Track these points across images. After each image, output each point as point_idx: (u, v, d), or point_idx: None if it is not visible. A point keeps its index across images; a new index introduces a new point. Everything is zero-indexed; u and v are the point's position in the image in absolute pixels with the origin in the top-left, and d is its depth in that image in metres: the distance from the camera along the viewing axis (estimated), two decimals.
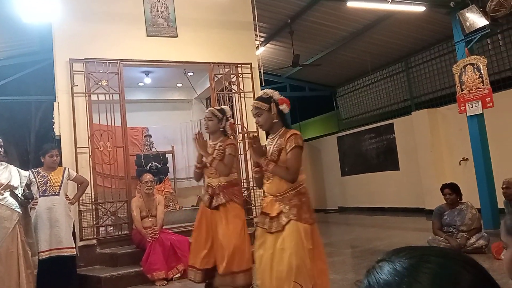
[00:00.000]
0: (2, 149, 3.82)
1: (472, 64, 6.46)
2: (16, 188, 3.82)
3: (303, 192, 2.89)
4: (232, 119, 4.05)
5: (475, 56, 6.52)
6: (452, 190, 4.92)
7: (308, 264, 2.73)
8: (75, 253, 4.67)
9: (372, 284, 0.62)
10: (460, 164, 8.30)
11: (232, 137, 4.10)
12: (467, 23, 6.30)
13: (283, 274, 2.73)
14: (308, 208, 2.88)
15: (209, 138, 4.00)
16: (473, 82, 6.46)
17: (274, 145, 2.95)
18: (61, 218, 4.54)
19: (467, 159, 8.01)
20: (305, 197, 2.90)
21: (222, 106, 4.18)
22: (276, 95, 3.09)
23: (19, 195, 3.86)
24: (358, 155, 11.24)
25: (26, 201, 3.98)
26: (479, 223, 4.98)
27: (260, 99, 3.06)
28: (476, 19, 6.19)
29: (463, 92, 6.58)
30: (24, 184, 3.97)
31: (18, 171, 3.99)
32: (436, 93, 9.55)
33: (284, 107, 3.05)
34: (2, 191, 3.69)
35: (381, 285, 0.60)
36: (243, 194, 3.60)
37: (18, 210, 3.77)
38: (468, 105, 6.53)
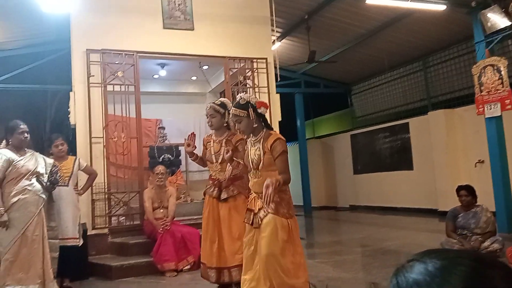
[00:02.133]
0: (28, 135, 3.90)
1: (492, 65, 6.34)
2: (42, 174, 3.90)
3: (283, 190, 2.98)
4: (257, 99, 3.65)
5: (496, 57, 6.39)
6: (468, 192, 4.84)
7: (278, 255, 2.86)
8: (78, 243, 4.64)
9: (401, 283, 0.61)
10: (475, 166, 8.17)
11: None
12: (489, 24, 6.17)
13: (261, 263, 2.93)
14: (286, 203, 2.99)
15: (213, 134, 3.93)
16: (492, 84, 6.34)
17: (256, 148, 3.05)
18: (68, 208, 4.56)
19: (483, 161, 7.88)
20: (285, 194, 3.00)
21: (221, 100, 3.95)
22: (253, 99, 3.14)
23: (45, 181, 3.94)
24: (372, 154, 11.15)
25: (52, 186, 4.08)
26: (494, 227, 4.89)
27: (238, 106, 3.10)
28: (498, 20, 6.07)
29: (482, 93, 6.47)
30: (49, 171, 4.04)
31: (44, 158, 4.08)
32: (453, 93, 9.40)
33: (262, 110, 3.11)
34: (30, 177, 3.75)
35: (410, 284, 0.60)
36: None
37: (44, 196, 3.87)
38: (487, 107, 6.42)
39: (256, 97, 3.26)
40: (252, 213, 3.07)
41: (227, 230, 3.76)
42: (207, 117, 3.85)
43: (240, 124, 3.09)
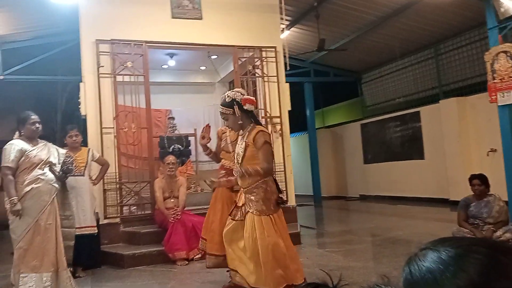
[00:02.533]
0: (40, 126, 3.94)
1: (505, 52, 6.22)
2: (54, 164, 3.95)
3: (262, 187, 3.09)
4: (244, 96, 3.35)
5: (509, 44, 6.26)
6: (481, 181, 4.78)
7: (263, 252, 2.98)
8: (95, 231, 4.81)
9: (414, 272, 0.60)
10: (488, 155, 8.07)
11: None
12: (502, 9, 6.05)
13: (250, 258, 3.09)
14: (267, 200, 3.09)
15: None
16: (505, 71, 6.22)
17: (242, 143, 3.17)
18: (85, 198, 4.70)
19: (495, 150, 7.78)
20: (269, 187, 3.11)
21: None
22: (238, 96, 3.20)
23: (57, 171, 4.00)
24: (382, 143, 11.07)
25: (64, 176, 4.15)
26: (506, 216, 4.84)
27: (224, 104, 3.23)
28: (511, 5, 5.93)
29: (495, 80, 6.36)
30: (61, 161, 4.10)
31: (57, 148, 4.13)
32: (465, 81, 9.26)
33: (248, 107, 3.18)
34: (42, 167, 3.80)
35: (423, 272, 0.59)
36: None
37: (56, 185, 3.92)
38: (500, 95, 6.31)
39: (243, 94, 3.27)
40: (236, 208, 3.27)
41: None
42: (224, 123, 3.67)
43: (227, 121, 3.24)
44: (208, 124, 3.99)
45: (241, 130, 3.24)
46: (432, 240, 0.64)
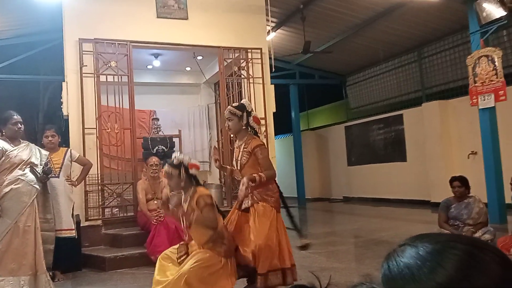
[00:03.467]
0: (22, 126, 3.87)
1: (487, 56, 6.34)
2: (36, 165, 3.89)
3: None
4: (254, 113, 3.53)
5: (490, 48, 6.39)
6: (461, 183, 4.86)
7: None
8: (74, 234, 4.68)
9: (392, 267, 0.60)
10: (468, 158, 8.21)
11: (261, 133, 3.79)
12: (484, 14, 6.16)
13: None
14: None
15: (235, 140, 3.75)
16: (486, 75, 6.34)
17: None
18: (60, 200, 4.58)
19: (476, 153, 7.92)
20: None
21: (242, 101, 3.62)
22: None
23: (39, 172, 3.93)
24: (366, 145, 11.17)
25: (45, 177, 4.08)
26: (486, 218, 4.92)
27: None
28: (493, 10, 6.05)
29: (476, 84, 6.47)
30: (43, 162, 4.04)
31: (39, 149, 4.07)
32: (448, 84, 9.41)
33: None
34: (23, 167, 3.73)
35: (401, 268, 0.59)
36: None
37: (37, 186, 3.85)
38: (481, 98, 6.43)
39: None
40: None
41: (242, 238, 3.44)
42: (226, 121, 3.55)
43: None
44: (215, 146, 3.98)
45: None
46: (410, 237, 0.64)
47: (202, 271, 2.97)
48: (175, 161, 3.22)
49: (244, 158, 3.36)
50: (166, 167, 3.26)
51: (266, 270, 3.20)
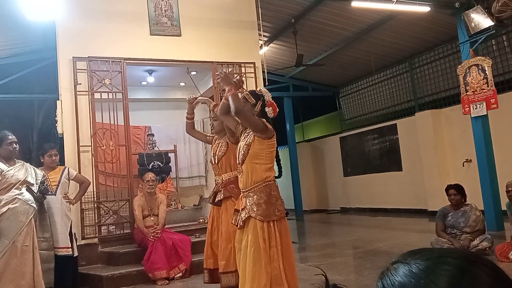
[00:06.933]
0: (17, 146, 3.87)
1: (477, 65, 6.43)
2: (32, 184, 3.88)
3: (269, 188, 2.93)
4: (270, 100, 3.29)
5: (480, 57, 6.48)
6: (457, 191, 4.89)
7: (261, 262, 2.78)
8: (71, 253, 4.62)
9: (387, 287, 0.60)
10: (463, 166, 8.26)
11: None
12: (472, 24, 6.26)
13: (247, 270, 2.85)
14: (271, 205, 2.89)
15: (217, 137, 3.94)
16: (477, 83, 6.43)
17: (245, 141, 3.04)
18: (57, 218, 4.53)
19: (470, 161, 7.97)
20: (274, 191, 2.95)
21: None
22: (268, 96, 3.17)
23: (35, 191, 3.93)
24: (361, 156, 11.21)
25: (42, 196, 4.10)
26: (483, 225, 4.95)
27: (252, 92, 3.17)
28: (481, 20, 6.16)
29: (468, 93, 6.55)
30: (39, 181, 4.04)
31: (34, 169, 4.06)
32: (440, 94, 9.51)
33: (269, 110, 3.14)
34: (19, 187, 3.72)
35: (396, 287, 0.59)
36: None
37: (34, 205, 3.84)
38: (473, 106, 6.50)
39: (272, 98, 3.25)
40: (237, 213, 3.05)
41: (218, 233, 3.75)
42: (210, 120, 3.85)
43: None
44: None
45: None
46: (403, 253, 0.64)
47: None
48: (257, 91, 3.19)
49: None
50: (245, 93, 3.13)
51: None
